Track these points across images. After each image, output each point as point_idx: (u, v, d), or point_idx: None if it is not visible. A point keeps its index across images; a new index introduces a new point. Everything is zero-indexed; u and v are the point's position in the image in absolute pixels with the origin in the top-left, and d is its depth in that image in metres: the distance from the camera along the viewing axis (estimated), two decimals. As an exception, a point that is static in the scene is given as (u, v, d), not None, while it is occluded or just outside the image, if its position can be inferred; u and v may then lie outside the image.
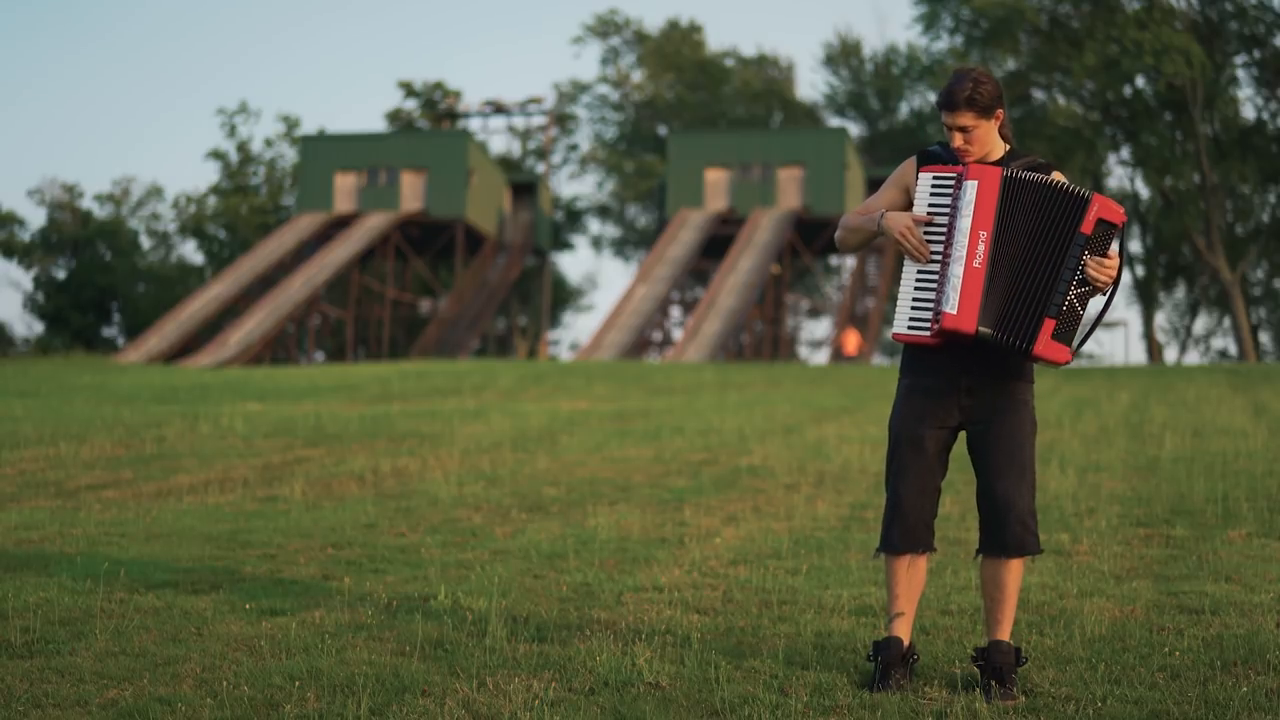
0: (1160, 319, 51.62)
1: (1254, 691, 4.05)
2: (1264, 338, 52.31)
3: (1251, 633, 4.80)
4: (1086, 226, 4.01)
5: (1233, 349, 48.94)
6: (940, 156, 4.26)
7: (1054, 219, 4.05)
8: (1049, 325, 4.01)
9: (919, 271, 4.14)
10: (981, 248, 4.04)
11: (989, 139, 4.21)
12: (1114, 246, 4.07)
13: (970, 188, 4.09)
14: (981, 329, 4.03)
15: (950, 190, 4.13)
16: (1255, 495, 8.31)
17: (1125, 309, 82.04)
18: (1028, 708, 3.94)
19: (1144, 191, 45.04)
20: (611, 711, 3.91)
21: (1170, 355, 50.76)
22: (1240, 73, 42.34)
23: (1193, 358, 51.91)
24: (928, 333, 4.11)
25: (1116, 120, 42.19)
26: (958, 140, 4.18)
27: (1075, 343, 4.10)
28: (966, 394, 4.18)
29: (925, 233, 4.16)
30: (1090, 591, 5.60)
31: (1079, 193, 4.03)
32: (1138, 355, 62.87)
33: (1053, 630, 4.90)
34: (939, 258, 4.11)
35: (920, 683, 4.23)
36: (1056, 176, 4.13)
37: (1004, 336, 4.04)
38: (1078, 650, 4.59)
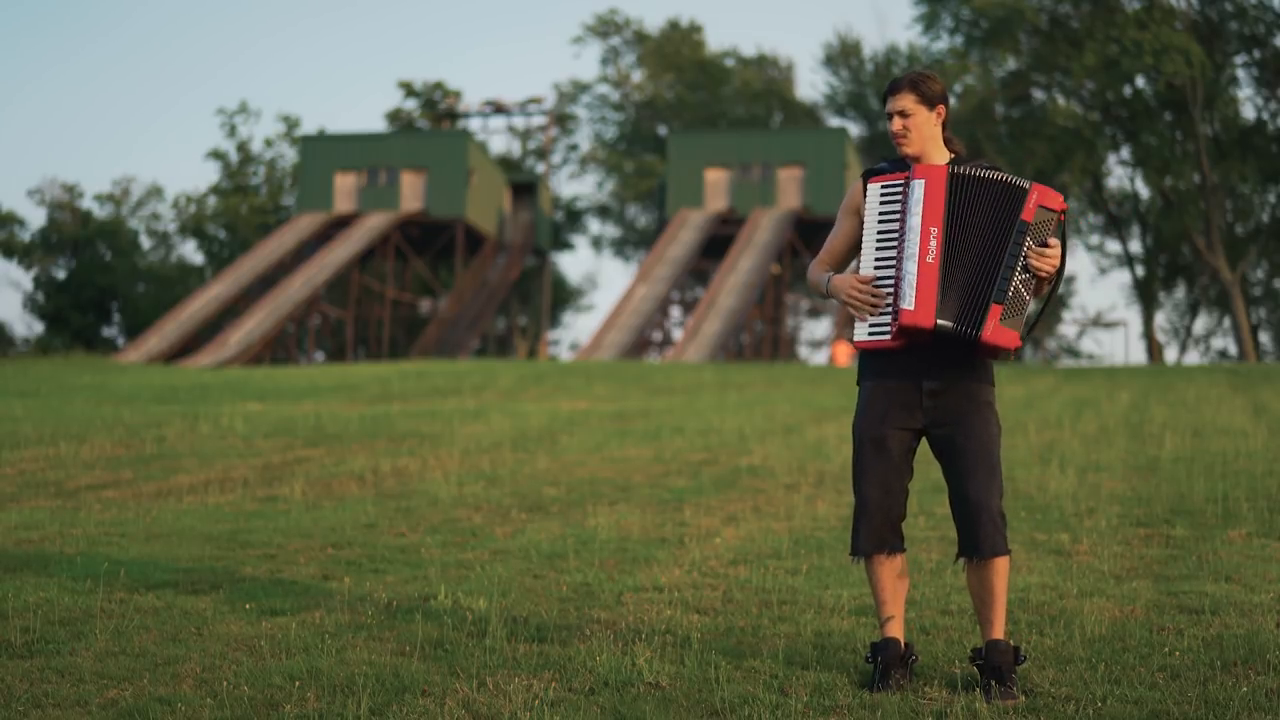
0: (1160, 319, 51.65)
1: (1254, 691, 4.05)
2: (1264, 338, 52.31)
3: (1251, 633, 4.80)
4: (1027, 214, 4.11)
5: (1233, 349, 48.94)
6: (886, 170, 4.33)
7: (998, 210, 4.14)
8: (996, 311, 4.09)
9: (876, 278, 4.21)
10: (933, 243, 4.12)
11: (929, 132, 4.27)
12: (1056, 233, 4.15)
13: (918, 186, 4.17)
14: (940, 322, 4.10)
15: (899, 196, 4.22)
16: (1255, 495, 8.31)
17: (1125, 309, 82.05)
18: (1028, 708, 3.94)
19: (1144, 191, 45.07)
20: (611, 711, 3.91)
21: (1170, 355, 50.79)
22: (1240, 73, 42.36)
23: (1193, 358, 51.96)
24: (888, 336, 4.18)
25: (1116, 120, 42.20)
26: (896, 124, 4.26)
27: (1025, 329, 4.17)
28: (929, 396, 4.22)
29: (879, 238, 4.22)
30: (1090, 591, 5.60)
31: (1018, 183, 4.14)
32: (1138, 355, 62.87)
33: (1053, 630, 4.90)
34: (893, 263, 4.17)
35: (920, 683, 4.23)
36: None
37: (960, 327, 4.10)
38: (1078, 650, 4.59)
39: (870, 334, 4.21)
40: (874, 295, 4.19)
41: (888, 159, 4.40)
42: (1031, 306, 4.20)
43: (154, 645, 4.66)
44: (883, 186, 4.26)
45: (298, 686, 4.13)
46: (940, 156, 4.30)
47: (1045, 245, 4.12)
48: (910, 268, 4.12)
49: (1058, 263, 4.13)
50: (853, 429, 4.34)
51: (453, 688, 4.14)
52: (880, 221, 4.24)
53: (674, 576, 6.05)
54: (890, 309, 4.16)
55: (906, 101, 4.24)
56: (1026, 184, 4.13)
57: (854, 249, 4.38)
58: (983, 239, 4.13)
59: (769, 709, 3.91)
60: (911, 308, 4.10)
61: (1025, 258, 4.10)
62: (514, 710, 3.90)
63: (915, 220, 4.14)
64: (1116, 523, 7.46)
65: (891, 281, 4.17)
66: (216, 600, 5.45)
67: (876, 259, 4.23)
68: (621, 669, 4.31)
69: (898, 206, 4.20)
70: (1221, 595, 5.47)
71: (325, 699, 4.01)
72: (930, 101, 4.24)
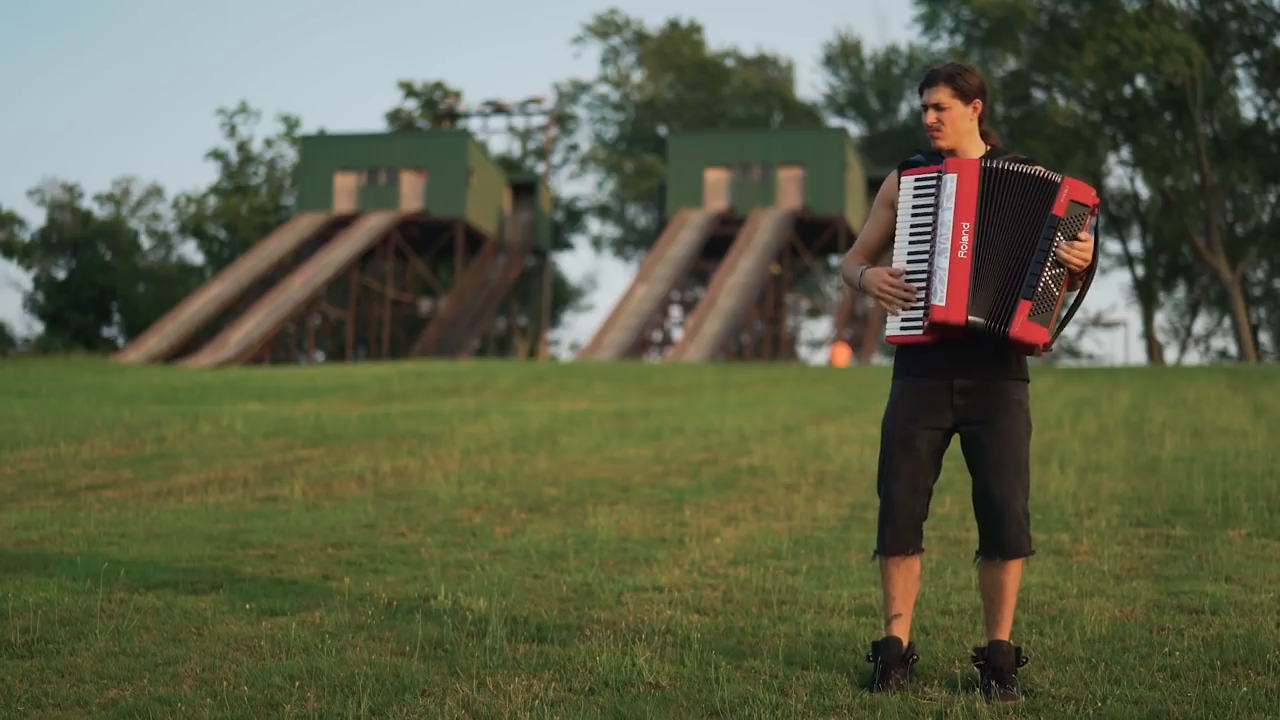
0: (1160, 319, 51.64)
1: (1254, 691, 4.05)
2: (1264, 338, 52.31)
3: (1251, 633, 4.80)
4: (1058, 209, 4.08)
5: (1233, 349, 48.93)
6: (921, 163, 4.29)
7: (1029, 205, 4.11)
8: (1024, 307, 4.06)
9: (908, 272, 4.18)
10: (965, 239, 4.09)
11: (964, 126, 4.23)
12: (1088, 228, 4.12)
13: (950, 181, 4.14)
14: (972, 318, 4.07)
15: (932, 189, 4.18)
16: (1255, 495, 8.31)
17: (1125, 309, 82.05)
18: (1028, 708, 3.94)
19: (1144, 191, 45.05)
20: (611, 711, 3.91)
21: (1170, 355, 50.79)
22: (1240, 73, 42.37)
23: (1193, 358, 51.95)
24: (920, 331, 4.15)
25: (1116, 120, 42.20)
26: (931, 117, 4.22)
27: (1054, 326, 4.14)
28: (960, 394, 4.19)
29: (912, 232, 4.19)
30: (1090, 591, 5.60)
31: (1051, 177, 4.11)
32: (1138, 355, 62.88)
33: (1053, 630, 4.90)
34: (925, 257, 4.14)
35: (920, 683, 4.23)
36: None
37: (991, 323, 4.08)
38: (1078, 650, 4.59)
39: (902, 329, 4.18)
40: (905, 290, 4.16)
41: (923, 150, 4.37)
42: (1062, 303, 4.16)
43: (154, 645, 4.66)
44: (916, 180, 4.22)
45: (298, 686, 4.13)
46: (975, 150, 4.26)
47: (1076, 239, 4.09)
48: (942, 263, 4.09)
49: (1089, 256, 4.09)
50: (882, 426, 4.32)
51: (453, 688, 4.14)
52: (913, 215, 4.20)
53: (674, 576, 6.04)
54: (922, 304, 4.13)
55: (942, 95, 4.19)
56: (1059, 178, 4.10)
57: (887, 241, 4.34)
58: (1014, 234, 4.10)
59: (769, 709, 3.90)
60: (943, 303, 4.07)
61: (1056, 252, 4.06)
62: (514, 710, 3.90)
63: (947, 215, 4.12)
64: (1116, 523, 7.46)
65: (924, 276, 4.13)
66: (216, 600, 5.45)
67: (909, 253, 4.19)
68: (621, 669, 4.31)
69: (931, 200, 4.17)
70: (1221, 595, 5.47)
71: (325, 699, 4.01)
72: (967, 96, 4.19)
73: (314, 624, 5.02)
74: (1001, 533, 4.13)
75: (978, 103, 4.22)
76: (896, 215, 4.28)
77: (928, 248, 4.14)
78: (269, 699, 4.00)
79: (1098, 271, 4.26)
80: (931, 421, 4.20)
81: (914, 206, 4.20)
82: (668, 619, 5.14)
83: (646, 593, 5.70)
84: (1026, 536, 4.15)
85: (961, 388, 4.18)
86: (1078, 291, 4.22)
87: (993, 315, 4.08)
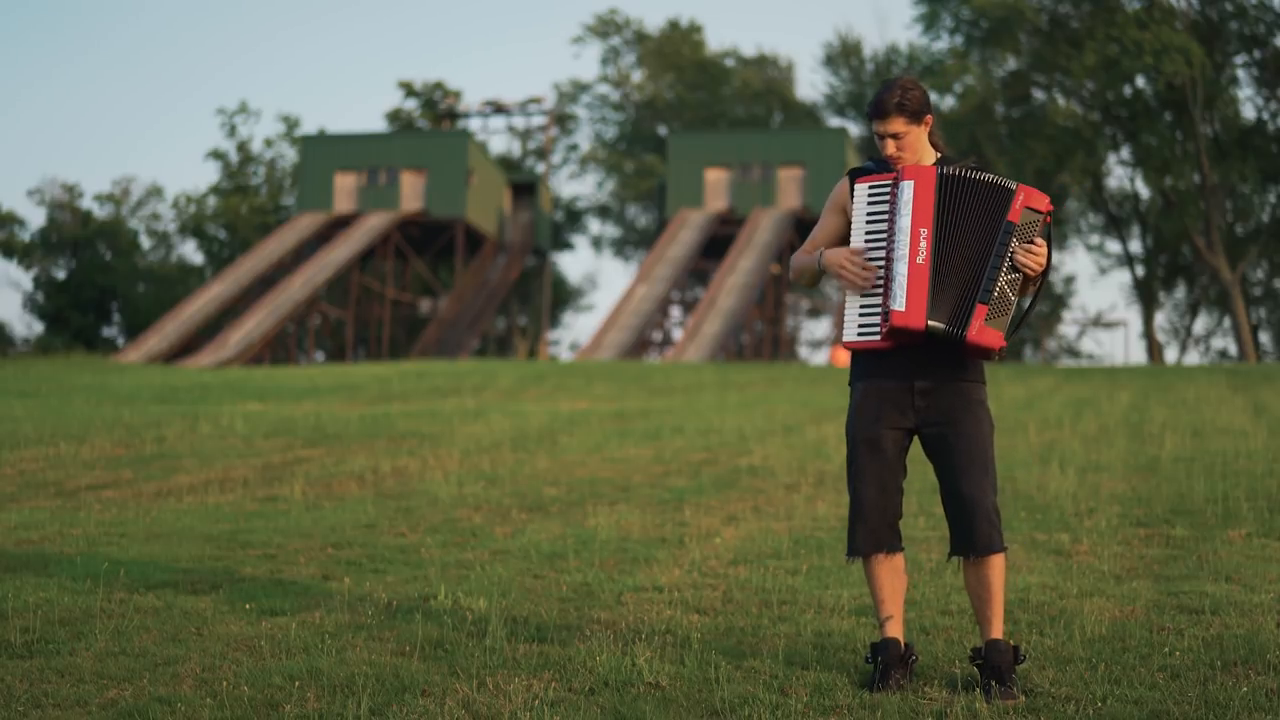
0: (1160, 319, 51.63)
1: (1254, 691, 4.05)
2: (1264, 338, 52.29)
3: (1251, 633, 4.80)
4: (1014, 215, 4.14)
5: (1233, 349, 48.93)
6: (873, 170, 4.34)
7: (985, 211, 4.17)
8: (981, 311, 4.11)
9: (866, 254, 4.21)
10: (924, 244, 4.14)
11: (920, 145, 4.30)
12: (1041, 234, 4.17)
13: (907, 187, 4.19)
14: (931, 323, 4.12)
15: (887, 197, 4.23)
16: (1255, 495, 8.30)
17: (1125, 309, 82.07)
18: (1028, 708, 3.94)
19: (1144, 191, 45.05)
20: (611, 711, 3.91)
21: (1170, 355, 50.78)
22: (1240, 73, 42.35)
23: (1193, 358, 51.94)
24: (877, 336, 4.19)
25: (1116, 120, 42.19)
26: (890, 148, 4.28)
27: (1009, 330, 4.18)
28: (921, 396, 4.23)
29: (867, 238, 4.24)
30: (1090, 591, 5.60)
31: (1005, 184, 4.18)
32: (1138, 355, 62.89)
33: (1053, 630, 4.90)
34: (882, 262, 4.19)
35: (920, 683, 4.23)
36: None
37: (949, 328, 4.12)
38: (1078, 650, 4.59)
39: (860, 334, 4.23)
40: (867, 269, 4.18)
41: (874, 158, 4.42)
42: (1017, 307, 4.22)
43: (154, 645, 4.66)
44: (870, 187, 4.27)
45: (298, 686, 4.13)
46: (929, 158, 4.33)
47: (1031, 245, 4.14)
48: (901, 269, 4.14)
49: (1044, 261, 4.16)
50: (846, 430, 4.36)
51: (453, 688, 4.14)
52: (868, 222, 4.25)
53: (674, 576, 6.05)
54: (880, 310, 4.17)
55: (897, 125, 4.25)
56: (1013, 185, 4.16)
57: (837, 245, 4.39)
58: (970, 240, 4.15)
59: (769, 709, 3.91)
60: (902, 309, 4.11)
61: (1012, 256, 4.13)
62: (514, 710, 3.90)
63: (905, 221, 4.16)
64: (1116, 523, 7.46)
65: (881, 281, 4.18)
66: (216, 600, 5.45)
67: (865, 259, 4.24)
68: (621, 669, 4.31)
69: (886, 207, 4.22)
70: (1221, 595, 5.47)
71: (325, 699, 4.01)
72: (918, 116, 4.26)
73: (314, 624, 5.02)
74: (974, 531, 4.16)
75: (928, 118, 4.29)
76: (848, 221, 4.33)
77: (883, 254, 4.19)
78: (269, 699, 4.01)
79: (1061, 272, 4.40)
80: (894, 422, 4.25)
81: (869, 214, 4.25)
82: (668, 619, 5.14)
83: (646, 593, 5.70)
84: (998, 533, 4.18)
85: (922, 389, 4.23)
86: (1032, 295, 4.28)
87: (951, 320, 4.13)
